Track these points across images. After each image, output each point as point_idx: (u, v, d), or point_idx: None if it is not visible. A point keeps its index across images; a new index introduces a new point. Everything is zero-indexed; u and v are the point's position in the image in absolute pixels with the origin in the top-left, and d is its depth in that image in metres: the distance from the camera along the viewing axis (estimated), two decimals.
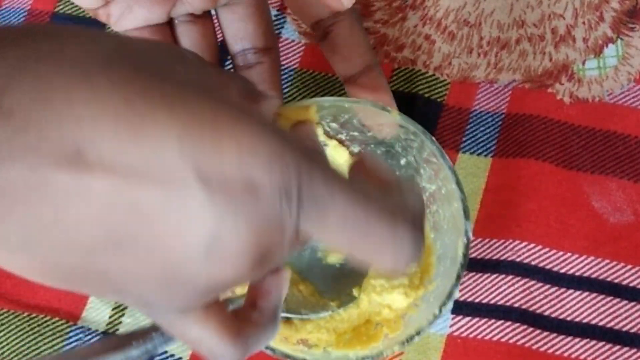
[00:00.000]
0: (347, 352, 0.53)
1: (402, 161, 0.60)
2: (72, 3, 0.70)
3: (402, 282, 0.56)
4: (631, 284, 0.59)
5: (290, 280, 0.57)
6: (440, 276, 0.55)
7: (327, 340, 0.55)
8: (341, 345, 0.55)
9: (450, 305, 0.53)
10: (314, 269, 0.58)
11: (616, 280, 0.59)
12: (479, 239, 0.60)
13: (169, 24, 0.53)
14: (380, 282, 0.57)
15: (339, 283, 0.58)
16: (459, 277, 0.53)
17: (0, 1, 0.70)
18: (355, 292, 0.57)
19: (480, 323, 0.58)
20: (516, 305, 0.58)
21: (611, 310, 0.58)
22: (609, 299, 0.58)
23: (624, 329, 0.58)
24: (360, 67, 0.56)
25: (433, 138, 0.56)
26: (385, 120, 0.58)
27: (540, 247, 0.60)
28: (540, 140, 0.63)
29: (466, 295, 0.59)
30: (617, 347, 0.57)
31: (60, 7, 0.69)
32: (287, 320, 0.56)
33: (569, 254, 0.60)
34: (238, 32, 0.53)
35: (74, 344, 0.60)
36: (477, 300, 0.58)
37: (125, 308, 0.61)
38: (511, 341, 0.57)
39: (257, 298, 0.40)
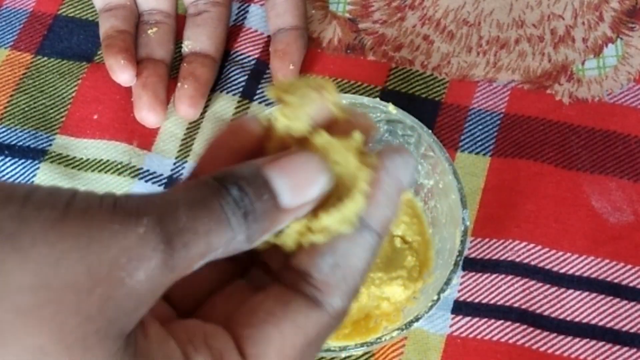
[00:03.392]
0: (346, 344, 0.53)
1: None
2: (76, 5, 0.70)
3: (401, 274, 0.57)
4: (631, 284, 0.59)
5: None
6: (439, 269, 0.56)
7: None
8: (340, 338, 0.55)
9: (448, 292, 0.53)
10: None
11: (616, 280, 0.59)
12: (479, 239, 0.60)
13: None
14: (379, 275, 0.57)
15: None
16: (457, 264, 0.53)
17: (0, 1, 0.71)
18: None
19: (480, 323, 0.58)
20: (516, 305, 0.58)
21: (611, 310, 0.58)
22: (608, 299, 0.58)
23: (624, 329, 0.57)
24: (289, 25, 0.66)
25: (430, 131, 0.57)
26: (382, 115, 0.58)
27: (539, 247, 0.60)
28: (540, 142, 0.63)
29: (466, 295, 0.58)
30: (617, 347, 0.57)
31: (64, 9, 0.70)
32: None
33: (568, 254, 0.59)
34: None
35: None
36: (477, 300, 0.58)
37: None
38: (511, 341, 0.57)
39: None
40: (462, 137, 0.64)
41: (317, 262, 0.32)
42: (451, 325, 0.58)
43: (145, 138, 0.64)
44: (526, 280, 0.59)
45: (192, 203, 0.29)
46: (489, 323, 0.58)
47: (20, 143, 0.64)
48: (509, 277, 0.59)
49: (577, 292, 0.58)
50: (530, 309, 0.58)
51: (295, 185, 0.31)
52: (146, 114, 0.64)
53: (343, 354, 0.53)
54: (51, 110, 0.66)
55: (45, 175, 0.63)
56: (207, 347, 0.31)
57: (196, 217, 0.29)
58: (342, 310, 0.32)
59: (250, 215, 0.30)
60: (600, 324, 0.58)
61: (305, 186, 0.31)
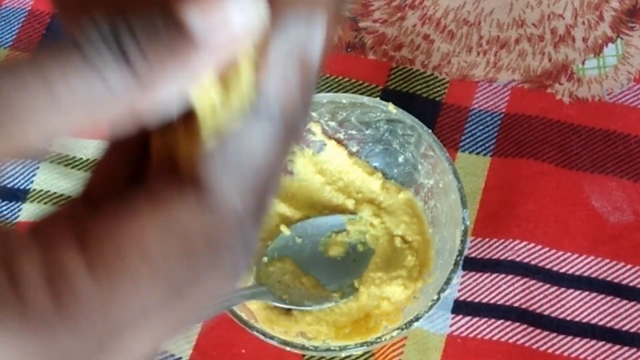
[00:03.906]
0: (346, 344, 0.53)
1: (400, 158, 0.60)
2: None
3: (401, 274, 0.57)
4: (631, 284, 0.59)
5: (293, 273, 0.58)
6: (439, 269, 0.56)
7: (327, 333, 0.56)
8: (340, 337, 0.55)
9: (448, 292, 0.53)
10: (315, 262, 0.59)
11: (616, 280, 0.59)
12: (479, 239, 0.60)
13: None
14: (379, 275, 0.57)
15: (341, 275, 0.58)
16: (457, 264, 0.53)
17: (0, 1, 0.70)
18: (356, 283, 0.58)
19: (480, 323, 0.58)
20: (516, 305, 0.58)
21: (611, 310, 0.58)
22: (608, 298, 0.58)
23: (624, 328, 0.57)
24: None
25: (430, 131, 0.57)
26: (382, 114, 0.59)
27: (540, 246, 0.60)
28: (540, 141, 0.63)
29: (466, 295, 0.58)
30: (617, 346, 0.57)
31: None
32: (288, 311, 0.57)
33: (568, 254, 0.60)
34: None
35: None
36: (477, 300, 0.58)
37: None
38: (511, 341, 0.57)
39: None
40: (463, 138, 0.64)
41: (205, 164, 0.25)
42: (451, 325, 0.58)
43: None
44: (526, 279, 0.59)
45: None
46: (489, 323, 0.58)
47: None
48: (509, 277, 0.59)
49: (577, 292, 0.58)
50: (531, 309, 0.58)
51: (208, 5, 0.22)
52: None
53: (343, 354, 0.53)
54: None
55: (45, 175, 0.63)
56: None
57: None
58: (238, 210, 0.26)
59: (132, 45, 0.22)
60: (600, 323, 0.58)
61: (223, 5, 0.22)
